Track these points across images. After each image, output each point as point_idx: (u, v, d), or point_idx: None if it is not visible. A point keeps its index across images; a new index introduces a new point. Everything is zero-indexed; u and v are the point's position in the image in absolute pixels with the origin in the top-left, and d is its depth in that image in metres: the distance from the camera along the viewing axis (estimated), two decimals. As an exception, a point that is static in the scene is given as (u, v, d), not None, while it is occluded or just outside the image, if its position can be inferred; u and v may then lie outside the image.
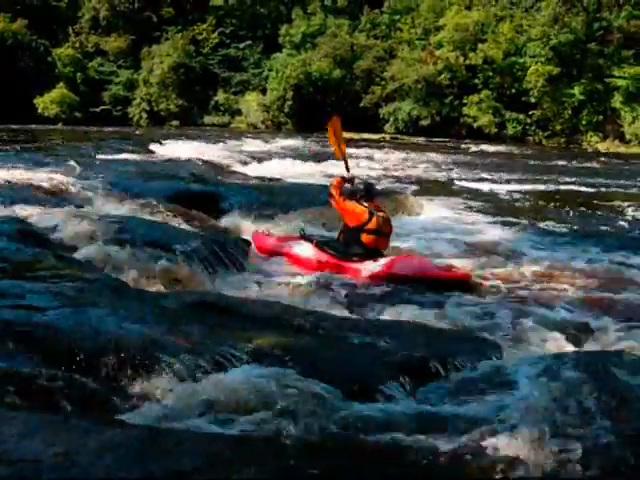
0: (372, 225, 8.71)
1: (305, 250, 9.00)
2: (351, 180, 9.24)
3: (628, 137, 46.46)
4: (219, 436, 3.42)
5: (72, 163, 14.97)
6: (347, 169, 9.38)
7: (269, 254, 9.22)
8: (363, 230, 8.70)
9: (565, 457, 3.46)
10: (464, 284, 8.04)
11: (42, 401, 3.78)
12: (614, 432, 3.84)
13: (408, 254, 9.11)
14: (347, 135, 45.95)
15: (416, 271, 8.20)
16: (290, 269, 8.60)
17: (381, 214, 8.85)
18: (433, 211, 14.01)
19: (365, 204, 8.81)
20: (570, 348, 5.69)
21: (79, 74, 62.18)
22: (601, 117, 48.54)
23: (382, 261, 8.48)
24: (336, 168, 15.05)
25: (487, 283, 8.27)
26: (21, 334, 4.53)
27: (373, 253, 8.67)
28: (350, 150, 30.46)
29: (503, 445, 3.57)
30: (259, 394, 3.83)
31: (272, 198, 12.74)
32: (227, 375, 4.13)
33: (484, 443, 3.58)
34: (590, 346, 5.83)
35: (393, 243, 9.24)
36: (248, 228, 10.46)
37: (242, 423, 3.62)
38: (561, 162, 31.52)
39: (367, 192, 8.98)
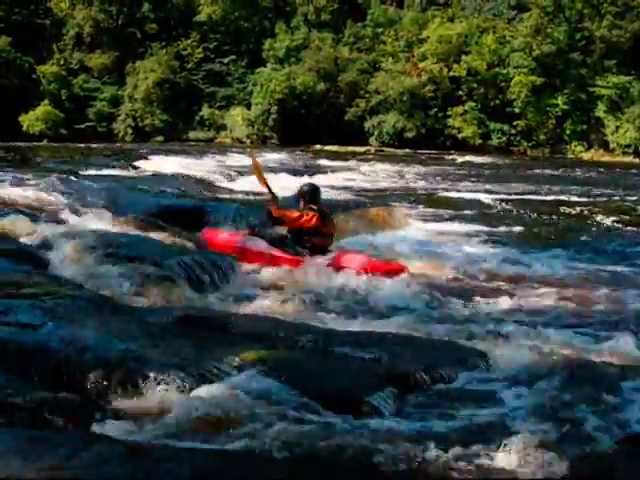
0: (320, 228, 9.32)
1: (257, 246, 9.54)
2: (276, 197, 9.90)
3: (612, 146, 46.91)
4: (205, 451, 3.41)
5: (57, 180, 14.88)
6: (270, 191, 10.03)
7: (220, 249, 9.47)
8: (312, 233, 9.29)
9: (554, 465, 3.48)
10: (400, 274, 8.71)
11: (27, 418, 3.77)
12: (603, 438, 3.87)
13: (351, 251, 9.63)
14: (332, 148, 46.26)
15: (357, 264, 8.86)
16: (276, 282, 8.59)
17: (328, 215, 9.52)
18: (418, 224, 13.98)
19: (314, 207, 9.36)
20: (553, 356, 5.71)
21: (64, 91, 61.93)
22: (585, 126, 48.99)
23: (329, 256, 9.21)
24: (320, 181, 15.10)
25: (470, 294, 8.30)
26: (6, 351, 4.52)
27: (321, 251, 9.30)
28: (335, 163, 30.73)
29: (490, 455, 3.59)
30: (245, 409, 3.83)
31: (258, 213, 12.68)
32: (213, 390, 4.13)
33: (471, 453, 3.60)
34: (572, 353, 5.85)
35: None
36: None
37: (228, 438, 3.62)
38: (546, 172, 31.72)
39: (312, 194, 9.56)
